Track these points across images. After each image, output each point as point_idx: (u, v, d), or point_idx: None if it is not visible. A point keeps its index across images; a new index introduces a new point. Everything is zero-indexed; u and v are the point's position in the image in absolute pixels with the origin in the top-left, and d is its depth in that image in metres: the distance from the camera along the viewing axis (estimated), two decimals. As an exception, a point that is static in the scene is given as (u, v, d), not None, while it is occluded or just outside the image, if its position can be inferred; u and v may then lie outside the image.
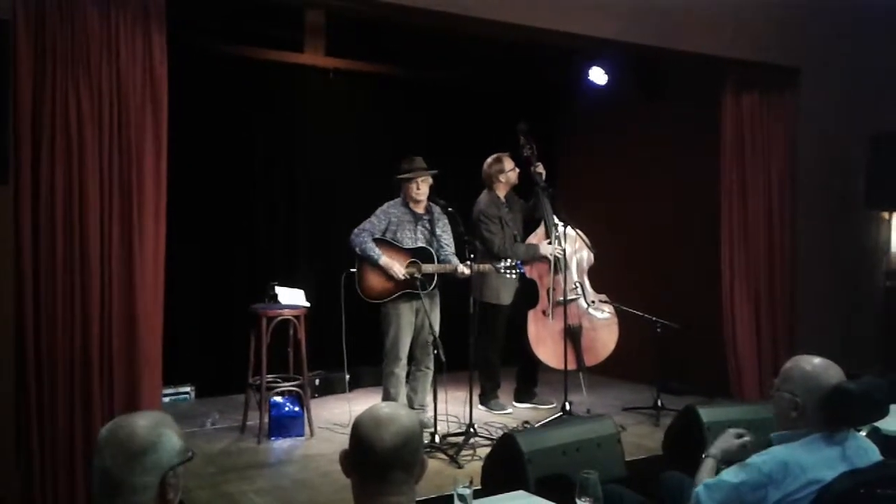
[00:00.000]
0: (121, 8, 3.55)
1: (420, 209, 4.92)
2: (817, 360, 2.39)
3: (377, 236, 4.82)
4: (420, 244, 4.89)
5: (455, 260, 4.89)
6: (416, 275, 4.73)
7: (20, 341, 3.39)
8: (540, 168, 5.35)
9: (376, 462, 1.72)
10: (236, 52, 5.72)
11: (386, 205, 4.92)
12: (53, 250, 3.43)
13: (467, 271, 4.70)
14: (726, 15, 5.27)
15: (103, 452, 1.64)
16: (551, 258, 5.23)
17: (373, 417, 1.77)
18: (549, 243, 5.29)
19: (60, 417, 3.45)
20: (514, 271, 4.90)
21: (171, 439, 1.67)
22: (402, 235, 4.86)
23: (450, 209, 4.81)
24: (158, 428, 1.67)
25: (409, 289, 4.74)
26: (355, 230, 4.82)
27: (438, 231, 4.96)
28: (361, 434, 1.75)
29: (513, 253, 5.25)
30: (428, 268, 4.78)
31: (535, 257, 5.29)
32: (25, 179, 3.36)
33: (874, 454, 2.34)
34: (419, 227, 4.92)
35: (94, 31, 3.49)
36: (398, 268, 4.74)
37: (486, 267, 4.92)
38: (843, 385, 2.29)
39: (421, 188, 4.82)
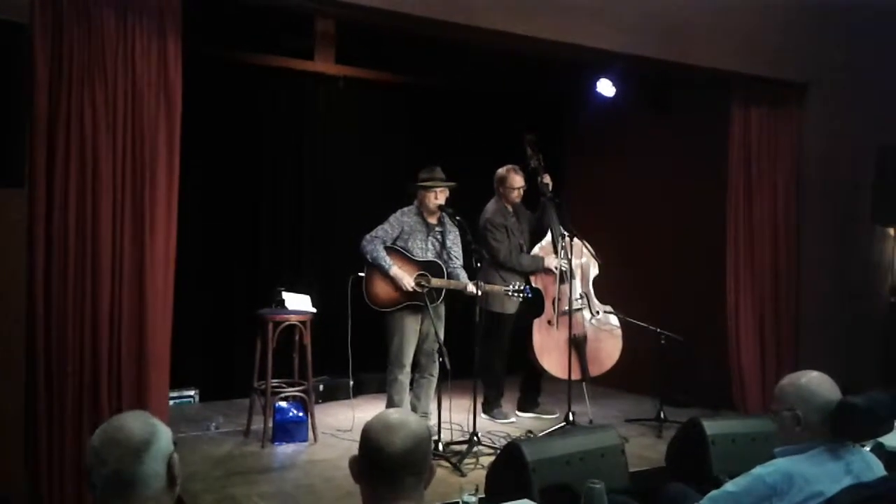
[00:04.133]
0: (137, 14, 3.59)
1: (433, 219, 4.94)
2: (808, 372, 2.43)
3: (388, 244, 4.84)
4: (431, 256, 4.90)
5: (463, 275, 4.91)
6: (423, 285, 4.74)
7: (31, 342, 3.42)
8: (547, 179, 5.37)
9: (387, 466, 1.74)
10: (247, 59, 5.76)
11: (399, 212, 4.93)
12: (66, 253, 3.46)
13: (475, 290, 4.71)
14: (734, 30, 5.30)
15: (107, 457, 1.67)
16: (556, 271, 5.25)
17: (383, 422, 1.80)
18: (556, 254, 5.30)
19: (69, 418, 3.47)
20: (520, 295, 4.91)
21: (162, 427, 1.76)
22: (413, 245, 4.87)
23: (458, 218, 4.82)
24: (148, 419, 1.75)
25: (416, 300, 4.76)
26: (367, 236, 4.83)
27: (449, 243, 4.97)
28: (372, 439, 1.77)
29: (517, 263, 5.27)
30: (436, 282, 4.80)
31: (540, 269, 5.30)
32: (40, 183, 3.40)
33: (879, 469, 2.36)
34: (431, 238, 4.94)
35: (110, 36, 3.53)
36: (408, 280, 4.75)
37: (495, 288, 4.94)
38: (848, 399, 2.31)
39: (439, 198, 4.83)
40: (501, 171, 5.40)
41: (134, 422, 1.72)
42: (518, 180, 5.35)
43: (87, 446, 3.41)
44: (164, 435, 1.73)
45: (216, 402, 5.68)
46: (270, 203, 6.07)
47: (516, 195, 5.39)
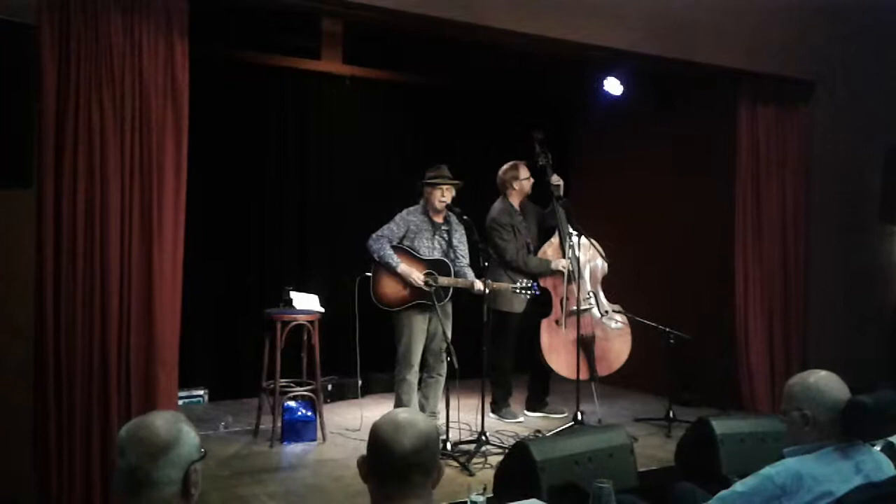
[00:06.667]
0: (144, 14, 3.60)
1: (439, 218, 4.94)
2: (817, 372, 2.42)
3: (395, 243, 4.84)
4: (437, 254, 4.90)
5: (470, 273, 4.90)
6: (431, 283, 4.74)
7: (40, 342, 3.43)
8: (557, 180, 5.35)
9: (396, 466, 1.74)
10: (254, 59, 5.78)
11: (405, 211, 4.93)
12: (74, 253, 3.47)
13: (483, 288, 4.71)
14: (741, 27, 5.28)
15: (127, 452, 1.68)
16: (564, 272, 5.24)
17: (391, 422, 1.80)
18: (564, 255, 5.29)
19: (78, 418, 3.48)
20: (528, 292, 4.91)
21: (190, 435, 1.74)
22: (419, 244, 4.87)
23: (465, 217, 4.82)
24: (177, 424, 1.74)
25: (423, 299, 4.76)
26: (373, 236, 4.84)
27: (455, 242, 4.96)
28: (380, 438, 1.77)
29: (525, 263, 5.26)
30: (444, 281, 4.79)
31: (547, 272, 5.29)
32: (48, 184, 3.41)
33: (889, 468, 2.35)
34: (437, 237, 4.94)
35: (118, 37, 3.54)
36: (417, 275, 4.75)
37: (503, 286, 4.94)
38: (858, 399, 2.30)
39: (445, 196, 4.83)
40: (508, 170, 5.38)
41: (161, 422, 1.72)
42: (526, 171, 5.37)
43: (95, 446, 3.46)
44: (189, 442, 1.72)
45: (225, 401, 5.70)
46: (278, 203, 6.08)
47: (528, 186, 5.39)
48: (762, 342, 5.52)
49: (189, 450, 1.71)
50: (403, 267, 4.76)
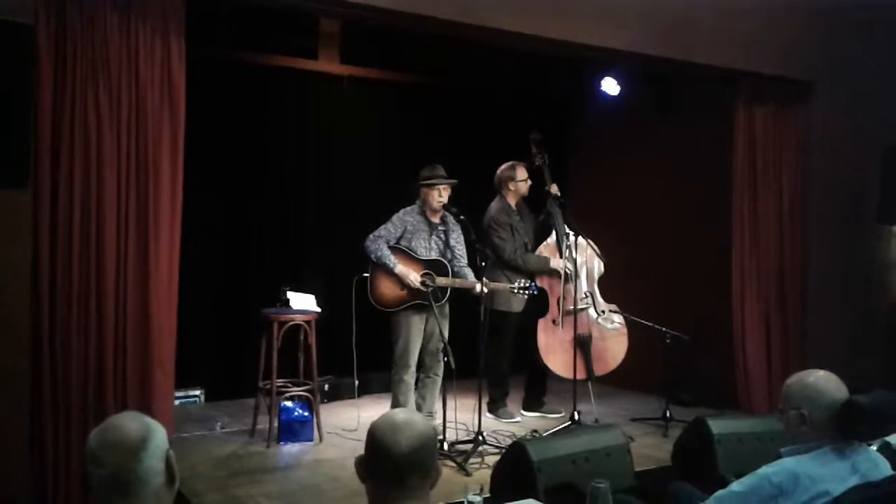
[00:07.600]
0: (140, 14, 3.60)
1: (436, 218, 4.94)
2: (815, 371, 2.42)
3: (392, 244, 4.84)
4: (434, 255, 4.90)
5: (470, 274, 4.90)
6: (428, 284, 4.74)
7: (36, 343, 3.43)
8: (554, 189, 5.36)
9: (393, 467, 1.74)
10: (251, 59, 5.77)
11: (402, 211, 4.93)
12: (70, 253, 3.47)
13: (482, 289, 4.70)
14: (739, 27, 5.29)
15: (104, 459, 1.67)
16: (562, 272, 5.24)
17: (389, 423, 1.80)
18: (560, 255, 5.29)
19: (74, 418, 3.48)
20: (527, 292, 4.92)
21: (156, 425, 1.76)
22: (416, 244, 4.86)
23: (462, 217, 4.82)
24: (140, 418, 1.75)
25: (421, 299, 4.75)
26: (370, 236, 4.83)
27: (452, 242, 4.96)
28: (378, 439, 1.77)
29: (523, 262, 5.26)
30: (441, 281, 4.79)
31: (545, 270, 5.29)
32: (44, 184, 3.41)
33: (885, 468, 2.35)
34: (434, 237, 4.93)
35: (114, 37, 3.54)
36: (414, 276, 4.75)
37: (500, 286, 4.94)
38: (855, 399, 2.30)
39: (443, 196, 4.83)
40: (505, 169, 5.39)
41: (129, 422, 1.73)
42: (524, 172, 5.38)
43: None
44: (159, 432, 1.74)
45: (221, 402, 5.69)
46: (275, 203, 6.07)
47: (525, 187, 5.39)
48: (759, 342, 5.53)
49: (161, 437, 1.73)
50: (401, 267, 4.76)
